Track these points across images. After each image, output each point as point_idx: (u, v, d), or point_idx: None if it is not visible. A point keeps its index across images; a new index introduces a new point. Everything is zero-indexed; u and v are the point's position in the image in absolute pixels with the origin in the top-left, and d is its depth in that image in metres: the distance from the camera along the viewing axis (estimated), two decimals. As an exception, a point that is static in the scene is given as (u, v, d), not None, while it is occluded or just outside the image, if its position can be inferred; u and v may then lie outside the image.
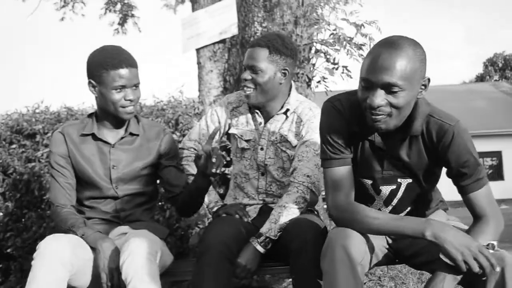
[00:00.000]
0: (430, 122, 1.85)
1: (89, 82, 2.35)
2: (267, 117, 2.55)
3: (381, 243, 2.12)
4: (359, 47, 3.89)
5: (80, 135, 2.41)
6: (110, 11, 10.12)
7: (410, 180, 1.96)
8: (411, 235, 1.79)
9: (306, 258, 2.11)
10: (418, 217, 1.84)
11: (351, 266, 1.77)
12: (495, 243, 1.75)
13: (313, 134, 2.44)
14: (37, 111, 4.25)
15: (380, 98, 1.73)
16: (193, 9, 4.97)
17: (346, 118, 1.91)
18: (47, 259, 2.01)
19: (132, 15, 10.18)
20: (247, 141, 2.56)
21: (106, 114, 2.39)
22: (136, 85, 2.37)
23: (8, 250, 3.87)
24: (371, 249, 1.96)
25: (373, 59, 1.72)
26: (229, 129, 2.63)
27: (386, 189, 1.99)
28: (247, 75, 2.45)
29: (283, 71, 2.47)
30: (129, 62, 2.32)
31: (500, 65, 41.91)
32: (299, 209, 2.35)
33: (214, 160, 2.17)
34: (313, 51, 4.09)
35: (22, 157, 3.95)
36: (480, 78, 41.74)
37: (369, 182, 1.99)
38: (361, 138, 1.93)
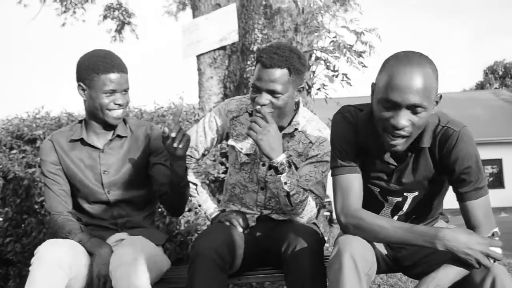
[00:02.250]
0: (436, 130, 1.85)
1: (79, 85, 2.35)
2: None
3: (382, 251, 2.12)
4: (359, 54, 3.91)
5: (69, 141, 2.40)
6: (108, 17, 10.17)
7: (416, 193, 1.97)
8: (420, 245, 1.79)
9: (301, 266, 2.09)
10: (426, 226, 1.84)
11: (359, 277, 1.76)
12: (497, 229, 1.79)
13: (324, 156, 2.35)
14: (37, 116, 4.26)
15: (405, 118, 1.72)
16: (194, 16, 4.99)
17: (356, 130, 1.93)
18: (45, 263, 2.01)
19: (130, 23, 10.23)
20: (247, 155, 2.45)
21: (94, 117, 2.37)
22: (126, 90, 2.36)
23: (8, 256, 3.87)
24: (376, 257, 1.95)
25: (395, 78, 1.70)
26: (227, 138, 2.54)
27: (392, 200, 2.00)
28: (264, 99, 2.24)
29: (299, 88, 2.34)
30: (120, 67, 2.32)
31: (500, 73, 41.96)
32: (313, 214, 2.33)
33: (173, 135, 2.12)
34: (313, 58, 4.11)
35: (23, 163, 3.95)
36: (481, 86, 41.79)
37: (376, 189, 2.00)
38: (370, 153, 1.93)
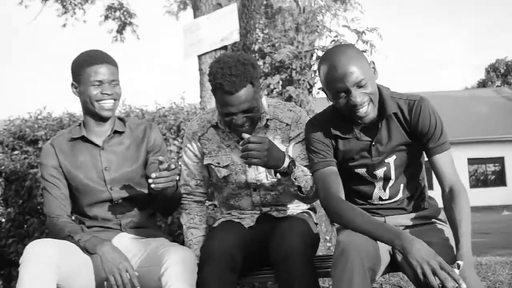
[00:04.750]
0: (399, 103, 2.15)
1: (72, 84, 2.40)
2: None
3: (386, 250, 2.16)
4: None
5: (69, 140, 2.43)
6: (109, 18, 10.18)
7: (394, 157, 2.17)
8: (382, 241, 1.97)
9: (292, 268, 2.10)
10: (393, 227, 2.01)
11: (364, 272, 1.87)
12: (461, 263, 1.85)
13: (300, 131, 2.39)
14: (39, 117, 4.27)
15: (358, 94, 2.03)
16: (195, 16, 4.99)
17: (323, 129, 2.21)
18: (32, 263, 2.01)
19: (131, 23, 10.24)
20: (225, 167, 2.42)
21: (89, 113, 2.41)
22: (114, 82, 2.38)
23: (10, 256, 3.88)
24: (380, 255, 2.05)
25: (330, 73, 2.03)
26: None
27: (380, 172, 2.19)
28: (242, 119, 2.25)
29: (260, 89, 2.35)
30: (106, 59, 2.37)
31: (502, 71, 41.92)
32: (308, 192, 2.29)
33: (172, 166, 2.18)
34: (314, 57, 4.11)
35: (25, 163, 3.95)
36: (482, 84, 41.75)
37: (363, 170, 2.19)
38: (345, 140, 2.19)
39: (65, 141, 2.43)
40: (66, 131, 2.50)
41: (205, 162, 2.46)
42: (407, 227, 2.22)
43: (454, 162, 2.15)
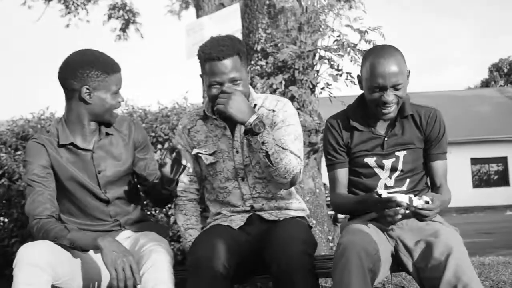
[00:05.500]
0: (418, 110, 2.42)
1: (85, 89, 2.26)
2: (234, 121, 2.37)
3: (388, 251, 2.22)
4: (363, 53, 3.89)
5: (57, 145, 2.33)
6: (113, 17, 10.18)
7: (405, 153, 2.39)
8: (361, 209, 2.33)
9: (294, 281, 2.08)
10: (363, 196, 2.32)
11: (363, 273, 1.95)
12: (429, 199, 2.08)
13: (291, 120, 2.43)
14: (42, 117, 4.28)
15: (391, 95, 2.28)
16: (198, 16, 4.99)
17: (341, 126, 2.44)
18: (25, 266, 2.00)
19: (134, 21, 10.24)
20: (212, 154, 2.46)
21: (96, 119, 2.34)
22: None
23: (13, 257, 3.87)
24: (382, 255, 2.14)
25: (377, 68, 2.27)
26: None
27: (388, 163, 2.39)
28: (228, 90, 2.32)
29: (248, 69, 2.48)
30: (119, 66, 2.37)
31: (506, 70, 41.84)
32: (292, 169, 2.32)
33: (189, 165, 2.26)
34: (317, 57, 4.11)
35: (27, 164, 3.96)
36: (485, 84, 41.68)
37: (373, 159, 2.40)
38: (361, 132, 2.42)
39: (52, 142, 2.34)
40: (44, 131, 2.39)
41: (193, 152, 2.49)
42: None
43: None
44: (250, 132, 2.27)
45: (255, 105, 2.47)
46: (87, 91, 2.27)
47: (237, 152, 2.44)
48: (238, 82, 2.35)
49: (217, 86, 2.35)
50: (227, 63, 2.32)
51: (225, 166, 2.45)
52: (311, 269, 2.15)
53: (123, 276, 2.00)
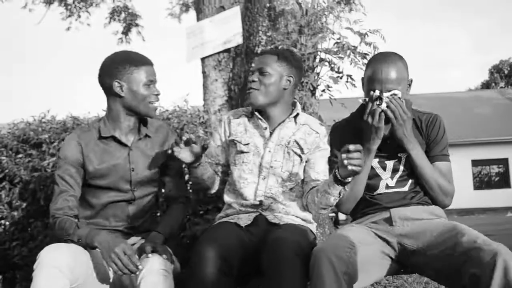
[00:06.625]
0: (419, 115, 2.51)
1: (116, 83, 2.39)
2: (273, 123, 2.61)
3: (380, 253, 2.28)
4: (363, 55, 3.90)
5: (98, 138, 2.44)
6: (114, 20, 10.18)
7: (407, 154, 2.42)
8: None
9: (282, 279, 2.10)
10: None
11: (337, 276, 1.99)
12: (398, 93, 2.30)
13: (326, 146, 2.61)
14: (43, 120, 4.28)
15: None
16: (198, 19, 5.00)
17: (345, 131, 2.54)
18: (46, 269, 2.03)
19: (136, 24, 10.24)
20: (246, 144, 2.59)
21: (133, 113, 2.44)
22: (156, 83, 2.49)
23: (14, 259, 3.88)
24: (367, 257, 2.20)
25: (375, 73, 2.34)
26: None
27: (390, 163, 2.45)
28: (254, 76, 2.57)
29: (288, 77, 2.59)
30: (150, 60, 2.47)
31: (506, 72, 41.84)
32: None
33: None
34: (317, 60, 4.11)
35: (29, 167, 3.96)
36: (486, 85, 41.67)
37: (376, 160, 2.46)
38: (366, 133, 2.43)
39: (91, 137, 2.44)
40: (87, 127, 2.49)
41: (230, 138, 2.65)
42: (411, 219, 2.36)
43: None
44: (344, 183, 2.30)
45: (297, 114, 2.64)
46: (119, 84, 2.39)
47: (269, 151, 2.56)
48: (265, 74, 2.56)
49: (252, 73, 2.63)
50: (263, 57, 2.63)
51: (252, 160, 2.57)
52: (301, 269, 2.14)
53: (122, 266, 2.09)
